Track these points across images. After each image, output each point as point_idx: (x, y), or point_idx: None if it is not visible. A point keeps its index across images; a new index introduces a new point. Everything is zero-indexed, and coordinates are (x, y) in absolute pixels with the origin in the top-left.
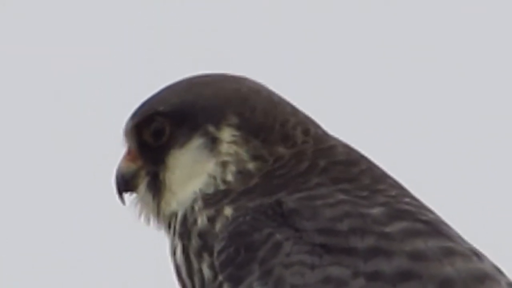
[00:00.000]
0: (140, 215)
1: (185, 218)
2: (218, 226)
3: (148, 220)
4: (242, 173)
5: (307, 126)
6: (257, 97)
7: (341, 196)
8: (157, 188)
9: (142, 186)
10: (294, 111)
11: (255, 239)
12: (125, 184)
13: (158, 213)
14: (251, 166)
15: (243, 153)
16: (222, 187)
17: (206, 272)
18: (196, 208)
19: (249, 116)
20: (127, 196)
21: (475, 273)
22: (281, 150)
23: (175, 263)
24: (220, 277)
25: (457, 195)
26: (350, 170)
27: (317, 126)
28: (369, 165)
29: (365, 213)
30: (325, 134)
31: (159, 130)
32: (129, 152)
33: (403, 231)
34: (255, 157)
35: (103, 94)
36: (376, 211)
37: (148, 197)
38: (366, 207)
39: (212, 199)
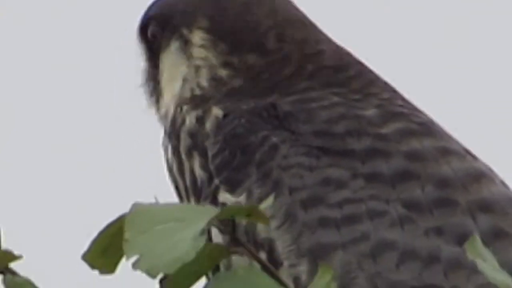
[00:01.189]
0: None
1: (174, 118)
2: (208, 125)
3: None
4: (215, 80)
5: (284, 30)
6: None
7: (335, 99)
8: (155, 87)
9: (147, 91)
10: (273, 12)
11: (251, 141)
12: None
13: (161, 115)
14: (222, 73)
15: (213, 58)
16: (197, 92)
17: (199, 173)
18: (184, 109)
19: (219, 19)
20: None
21: (471, 171)
22: (252, 57)
23: (167, 163)
24: (216, 181)
25: None
26: (339, 74)
27: (303, 29)
28: (361, 69)
29: (360, 114)
30: (310, 38)
31: (154, 34)
32: (143, 53)
33: (399, 132)
34: (224, 64)
35: None
36: (370, 112)
37: (150, 98)
38: (361, 109)
39: (197, 101)
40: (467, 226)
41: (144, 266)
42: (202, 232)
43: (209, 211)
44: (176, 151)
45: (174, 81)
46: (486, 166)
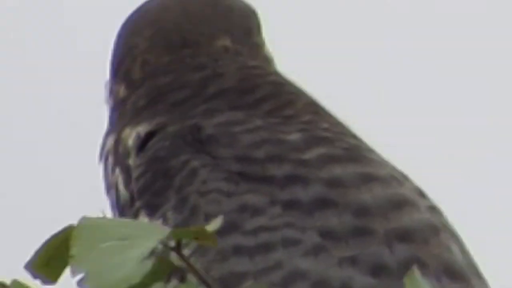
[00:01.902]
0: None
1: (103, 143)
2: (129, 143)
3: None
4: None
5: (149, 56)
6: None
7: (259, 122)
8: None
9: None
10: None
11: (172, 165)
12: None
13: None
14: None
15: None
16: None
17: (123, 192)
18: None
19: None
20: None
21: (393, 198)
22: (122, 92)
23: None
24: (138, 204)
25: None
26: (269, 94)
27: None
28: (273, 90)
29: (283, 139)
30: (242, 50)
31: None
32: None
33: (321, 158)
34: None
35: None
36: (294, 137)
37: None
38: (284, 134)
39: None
40: (382, 256)
41: (90, 284)
42: (150, 253)
43: (159, 231)
44: (105, 177)
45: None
46: (414, 189)
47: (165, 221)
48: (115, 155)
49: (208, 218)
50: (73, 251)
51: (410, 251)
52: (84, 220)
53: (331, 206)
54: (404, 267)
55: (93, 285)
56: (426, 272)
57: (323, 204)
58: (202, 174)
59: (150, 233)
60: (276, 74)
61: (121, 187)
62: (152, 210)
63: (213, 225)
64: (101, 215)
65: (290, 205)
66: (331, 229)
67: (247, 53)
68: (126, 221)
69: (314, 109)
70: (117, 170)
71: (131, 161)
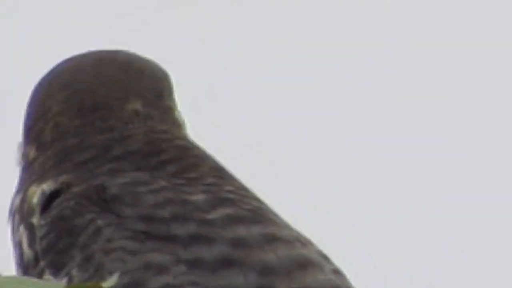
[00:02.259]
0: None
1: (11, 206)
2: (35, 200)
3: None
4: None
5: (61, 119)
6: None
7: (163, 183)
8: None
9: None
10: (58, 102)
11: (76, 224)
12: None
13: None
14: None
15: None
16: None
17: (27, 251)
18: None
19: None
20: None
21: (298, 259)
22: (33, 153)
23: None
24: (42, 263)
25: None
26: (150, 159)
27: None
28: (177, 154)
29: (188, 199)
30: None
31: None
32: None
33: (225, 218)
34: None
35: None
36: (198, 197)
37: None
38: (188, 194)
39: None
40: None
41: None
42: None
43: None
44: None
45: None
46: (318, 252)
47: (71, 280)
48: (20, 213)
49: (116, 279)
50: None
51: None
52: None
53: (235, 265)
54: None
55: None
56: None
57: (227, 263)
58: (106, 233)
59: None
60: (184, 138)
61: (25, 246)
62: (57, 269)
63: (110, 282)
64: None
65: (194, 264)
66: (236, 287)
67: (158, 116)
68: (24, 278)
69: (219, 173)
70: (21, 228)
71: (35, 220)
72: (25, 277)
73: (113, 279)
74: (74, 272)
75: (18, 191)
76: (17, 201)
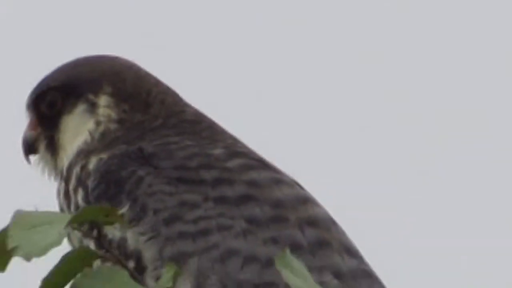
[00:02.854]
0: (41, 171)
1: (69, 166)
2: (90, 167)
3: (46, 174)
4: (107, 132)
5: (165, 96)
6: (127, 71)
7: (189, 142)
8: (53, 148)
9: (42, 147)
10: (157, 82)
11: (122, 176)
12: (29, 148)
13: (55, 168)
14: (113, 127)
15: (113, 115)
16: (91, 144)
17: (81, 203)
18: (77, 159)
19: (120, 86)
20: (32, 157)
21: (299, 196)
22: (138, 116)
23: (59, 202)
24: None
25: None
26: (194, 126)
27: (174, 95)
28: (211, 124)
29: (210, 153)
30: (179, 102)
31: (53, 102)
32: (31, 122)
33: (241, 166)
34: (119, 120)
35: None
36: (218, 151)
37: (47, 155)
38: (210, 149)
39: (86, 151)
40: (296, 236)
41: (21, 252)
42: (66, 227)
43: (70, 216)
44: (66, 194)
45: (79, 135)
46: (310, 194)
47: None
48: (79, 178)
49: (156, 213)
50: (10, 232)
51: (317, 234)
52: (18, 212)
53: (253, 200)
54: (314, 245)
55: (24, 253)
56: (330, 250)
57: (246, 199)
58: (147, 180)
59: (65, 217)
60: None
61: (80, 201)
62: None
63: (123, 209)
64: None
65: (220, 200)
66: (255, 217)
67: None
68: (49, 211)
69: (234, 137)
70: (80, 189)
71: (89, 181)
72: (50, 211)
73: (125, 208)
74: (124, 212)
75: (77, 160)
76: (78, 168)
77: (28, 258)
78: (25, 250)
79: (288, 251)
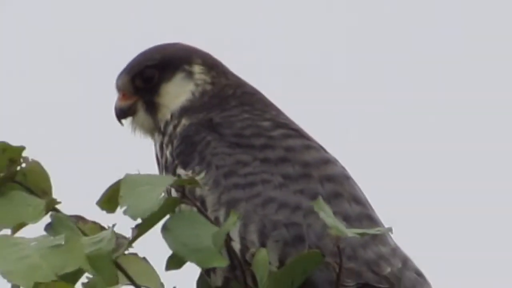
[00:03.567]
0: (136, 132)
1: (167, 124)
2: (178, 129)
3: (143, 135)
4: (204, 92)
5: (229, 71)
6: (204, 51)
7: (246, 115)
8: (153, 109)
9: (141, 111)
10: (220, 61)
11: (196, 139)
12: (123, 113)
13: (154, 126)
14: (209, 87)
15: (208, 79)
16: (192, 102)
17: (168, 157)
18: (172, 118)
19: (205, 58)
20: (124, 121)
21: (323, 158)
22: (223, 80)
23: (155, 151)
24: (176, 161)
25: None
26: (252, 98)
27: (233, 74)
28: (261, 97)
29: (260, 124)
30: (238, 77)
31: (150, 77)
32: (123, 95)
33: (282, 135)
34: (212, 83)
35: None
36: (266, 123)
37: (147, 116)
38: (261, 121)
39: (184, 111)
40: (318, 189)
41: (129, 212)
42: (163, 193)
43: (170, 180)
44: (161, 146)
45: (180, 96)
46: (332, 156)
47: (193, 172)
48: (170, 136)
49: (217, 168)
50: (121, 193)
51: (333, 187)
52: (127, 175)
53: (288, 161)
54: (330, 196)
55: (131, 213)
56: (341, 199)
57: (283, 160)
58: (213, 144)
59: (164, 181)
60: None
61: (168, 154)
62: (185, 165)
63: (199, 177)
64: (137, 172)
65: (264, 161)
66: (288, 174)
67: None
68: (152, 174)
69: (277, 108)
70: (169, 145)
71: (175, 141)
72: (154, 174)
73: (201, 175)
74: (195, 168)
75: (174, 117)
76: (171, 127)
77: (134, 218)
78: (132, 211)
79: (321, 199)
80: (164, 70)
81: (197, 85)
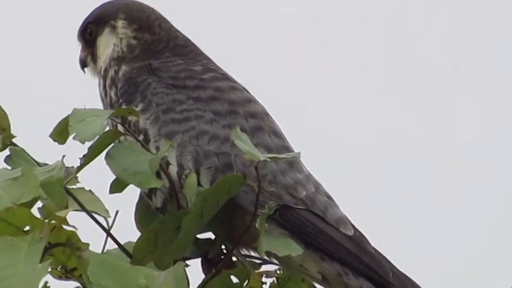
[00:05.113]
0: (91, 74)
1: (106, 69)
2: (120, 74)
3: (93, 76)
4: (130, 46)
5: (161, 22)
6: (133, 4)
7: (180, 61)
8: (95, 59)
9: (89, 60)
10: (153, 11)
11: (138, 80)
12: (83, 63)
13: (96, 71)
14: (133, 42)
15: (129, 33)
16: (120, 54)
17: (113, 97)
18: (111, 64)
19: (130, 13)
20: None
21: (246, 98)
22: (147, 36)
23: (99, 92)
24: (120, 100)
25: None
26: (184, 49)
27: (167, 22)
28: (193, 48)
29: (193, 69)
30: (171, 27)
31: (91, 31)
32: (82, 47)
33: (211, 78)
34: (135, 37)
35: None
36: (198, 68)
37: (91, 64)
38: (193, 66)
39: (118, 60)
40: (243, 124)
41: (78, 137)
42: (106, 121)
43: (110, 112)
44: (104, 87)
45: (108, 48)
46: (253, 96)
47: (135, 107)
48: (112, 79)
49: (157, 105)
50: (70, 123)
51: (256, 122)
52: (75, 109)
53: (217, 100)
54: (253, 129)
55: (80, 138)
56: (262, 132)
57: (213, 99)
58: (153, 85)
59: (107, 112)
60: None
61: (113, 95)
62: (128, 103)
63: (138, 109)
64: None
65: (197, 99)
66: (218, 111)
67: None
68: (95, 109)
69: (209, 58)
70: (113, 88)
71: (119, 83)
72: (98, 108)
73: (139, 108)
74: (138, 104)
75: (112, 65)
76: (112, 71)
77: (82, 141)
78: (80, 136)
79: (238, 129)
80: (99, 26)
81: (120, 38)
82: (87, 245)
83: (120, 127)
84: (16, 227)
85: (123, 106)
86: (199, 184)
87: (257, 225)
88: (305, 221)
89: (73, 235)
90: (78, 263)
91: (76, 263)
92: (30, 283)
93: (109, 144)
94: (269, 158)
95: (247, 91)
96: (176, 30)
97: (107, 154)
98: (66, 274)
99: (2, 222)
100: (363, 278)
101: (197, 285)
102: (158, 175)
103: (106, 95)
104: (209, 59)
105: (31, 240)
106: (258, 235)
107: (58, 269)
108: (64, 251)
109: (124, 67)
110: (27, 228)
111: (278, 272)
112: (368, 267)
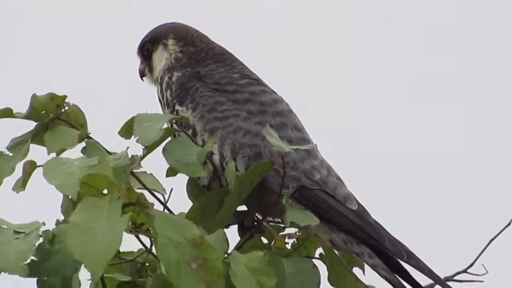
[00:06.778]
0: (149, 82)
1: (161, 78)
2: (173, 79)
3: (150, 83)
4: (177, 58)
5: (201, 37)
6: (180, 26)
7: (221, 69)
8: (151, 70)
9: (147, 72)
10: (196, 31)
11: (188, 85)
12: (142, 73)
13: (153, 79)
14: (180, 55)
15: (177, 49)
16: (170, 65)
17: (169, 97)
18: (165, 73)
19: (178, 33)
20: (144, 78)
21: (274, 99)
22: (191, 48)
23: (157, 96)
24: (174, 101)
25: None
26: (222, 57)
27: (206, 37)
28: (229, 56)
29: (231, 76)
30: (209, 40)
31: (148, 48)
32: (141, 61)
33: (246, 83)
34: (181, 51)
35: None
36: (235, 75)
37: (149, 74)
38: (231, 74)
39: (170, 70)
40: (271, 121)
41: (140, 141)
42: (166, 125)
43: (168, 117)
44: (160, 92)
45: (161, 62)
46: (280, 97)
47: (187, 108)
48: (167, 84)
49: (203, 106)
50: (134, 126)
51: (281, 120)
52: (138, 114)
53: (250, 102)
54: (278, 125)
55: (141, 141)
56: (286, 127)
57: (247, 101)
58: (200, 89)
59: (164, 118)
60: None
61: (169, 96)
62: (181, 103)
63: (188, 115)
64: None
65: (235, 101)
66: (251, 110)
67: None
68: (157, 113)
69: (243, 64)
70: (168, 91)
71: (173, 86)
72: (158, 113)
73: (189, 113)
74: (189, 105)
75: (166, 73)
76: (167, 78)
77: (143, 144)
78: (143, 137)
79: (269, 126)
80: (153, 44)
81: (170, 53)
82: (153, 204)
83: (174, 126)
84: (97, 190)
85: (177, 106)
86: (236, 169)
87: (283, 202)
88: (319, 199)
89: (141, 196)
90: (146, 219)
91: (144, 219)
92: (113, 232)
93: (165, 139)
94: (293, 149)
95: (275, 93)
96: (213, 42)
97: (164, 147)
98: (135, 228)
99: (85, 185)
100: (364, 245)
101: (234, 245)
102: (204, 163)
103: (163, 97)
104: (243, 65)
105: (110, 199)
106: (283, 209)
107: (129, 224)
108: (134, 209)
109: (175, 74)
110: (105, 191)
111: (298, 233)
112: (369, 236)
